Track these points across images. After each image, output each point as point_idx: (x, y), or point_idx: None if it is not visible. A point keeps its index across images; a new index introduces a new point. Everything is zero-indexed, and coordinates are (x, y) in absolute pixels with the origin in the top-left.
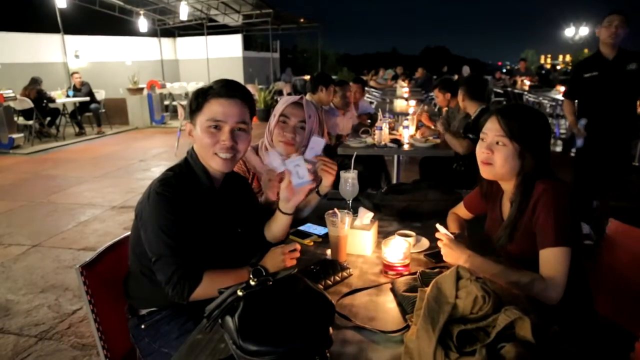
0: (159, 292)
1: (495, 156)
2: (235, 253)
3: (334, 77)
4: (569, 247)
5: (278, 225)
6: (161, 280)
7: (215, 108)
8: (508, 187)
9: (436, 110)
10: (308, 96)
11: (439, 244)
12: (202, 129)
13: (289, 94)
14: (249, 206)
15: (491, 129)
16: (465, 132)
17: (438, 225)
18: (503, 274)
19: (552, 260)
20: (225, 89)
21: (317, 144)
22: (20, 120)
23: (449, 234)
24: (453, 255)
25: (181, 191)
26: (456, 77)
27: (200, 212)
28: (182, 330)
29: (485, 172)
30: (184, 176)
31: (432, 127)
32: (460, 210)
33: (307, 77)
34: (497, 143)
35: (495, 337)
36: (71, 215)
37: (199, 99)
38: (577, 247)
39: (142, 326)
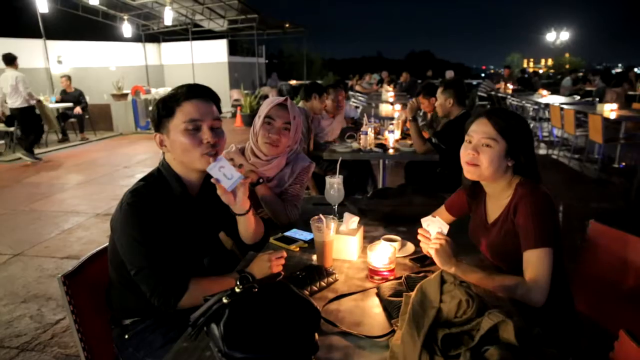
0: (141, 302)
1: (481, 157)
2: (220, 258)
3: (319, 82)
4: (550, 248)
5: (243, 226)
6: (146, 291)
7: (189, 109)
8: (489, 188)
9: (421, 114)
10: (301, 104)
11: (429, 244)
12: (179, 132)
13: None
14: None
15: (477, 132)
16: (434, 135)
17: (423, 220)
18: (488, 279)
19: (534, 261)
20: (193, 91)
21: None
22: (1, 127)
23: (437, 221)
24: (442, 260)
25: (153, 200)
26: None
27: (175, 219)
28: (166, 339)
29: (469, 173)
30: (156, 185)
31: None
32: (441, 213)
33: (293, 82)
34: (483, 145)
35: (479, 340)
36: (54, 223)
37: (169, 104)
38: (558, 248)
39: (126, 336)
